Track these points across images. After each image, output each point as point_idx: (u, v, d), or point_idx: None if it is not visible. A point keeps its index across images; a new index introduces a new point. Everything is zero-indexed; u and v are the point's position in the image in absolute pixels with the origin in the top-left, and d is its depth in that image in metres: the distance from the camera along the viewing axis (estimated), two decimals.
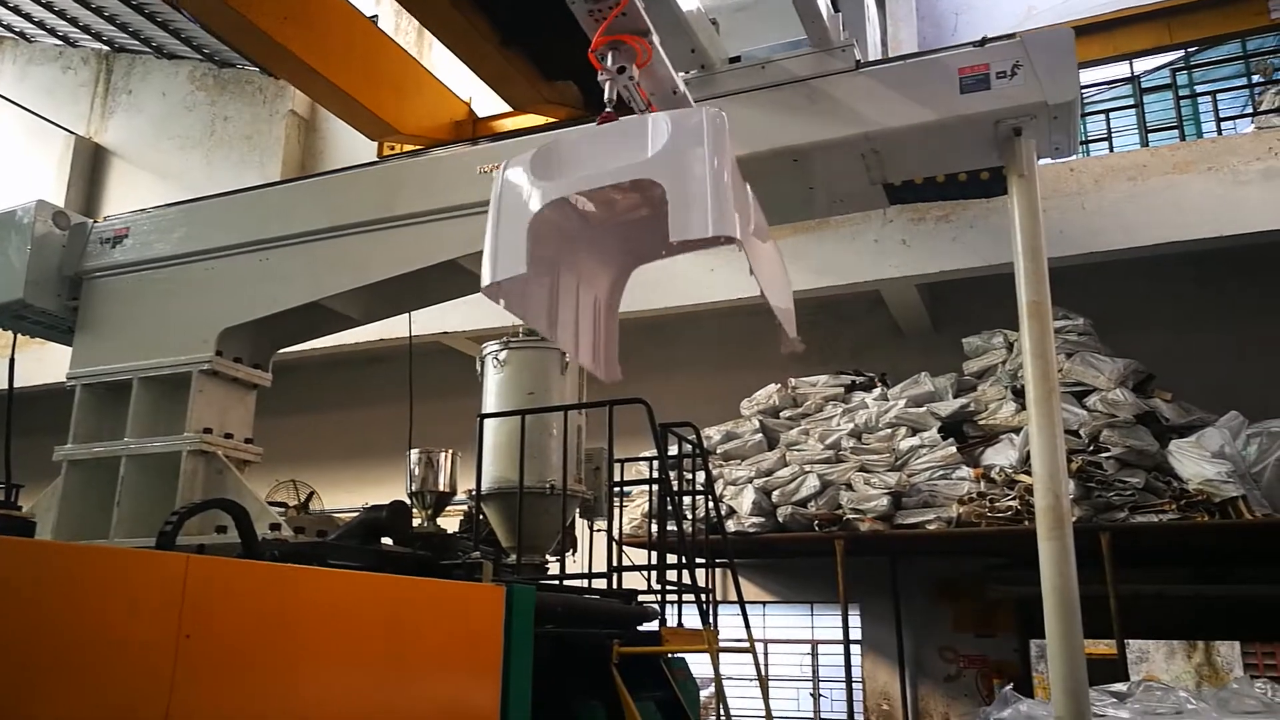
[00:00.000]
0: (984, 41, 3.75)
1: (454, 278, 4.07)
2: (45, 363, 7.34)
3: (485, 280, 1.94)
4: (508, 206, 1.90)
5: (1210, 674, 11.25)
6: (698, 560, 5.80)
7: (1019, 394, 8.67)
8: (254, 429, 4.19)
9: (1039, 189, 3.73)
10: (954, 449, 8.56)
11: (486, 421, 5.93)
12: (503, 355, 6.15)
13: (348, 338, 11.02)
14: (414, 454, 5.30)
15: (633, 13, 2.41)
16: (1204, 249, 8.60)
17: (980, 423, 8.91)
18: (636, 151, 1.82)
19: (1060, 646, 2.80)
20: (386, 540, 3.46)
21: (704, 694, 6.34)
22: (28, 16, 14.91)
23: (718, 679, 5.40)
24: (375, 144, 10.44)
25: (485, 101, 10.23)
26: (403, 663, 2.46)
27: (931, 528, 8.32)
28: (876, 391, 9.36)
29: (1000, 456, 8.33)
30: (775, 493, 8.90)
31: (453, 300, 4.57)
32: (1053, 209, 8.34)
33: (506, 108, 10.42)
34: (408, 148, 9.05)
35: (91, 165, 15.28)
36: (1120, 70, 10.87)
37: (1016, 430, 8.39)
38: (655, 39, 2.49)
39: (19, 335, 4.38)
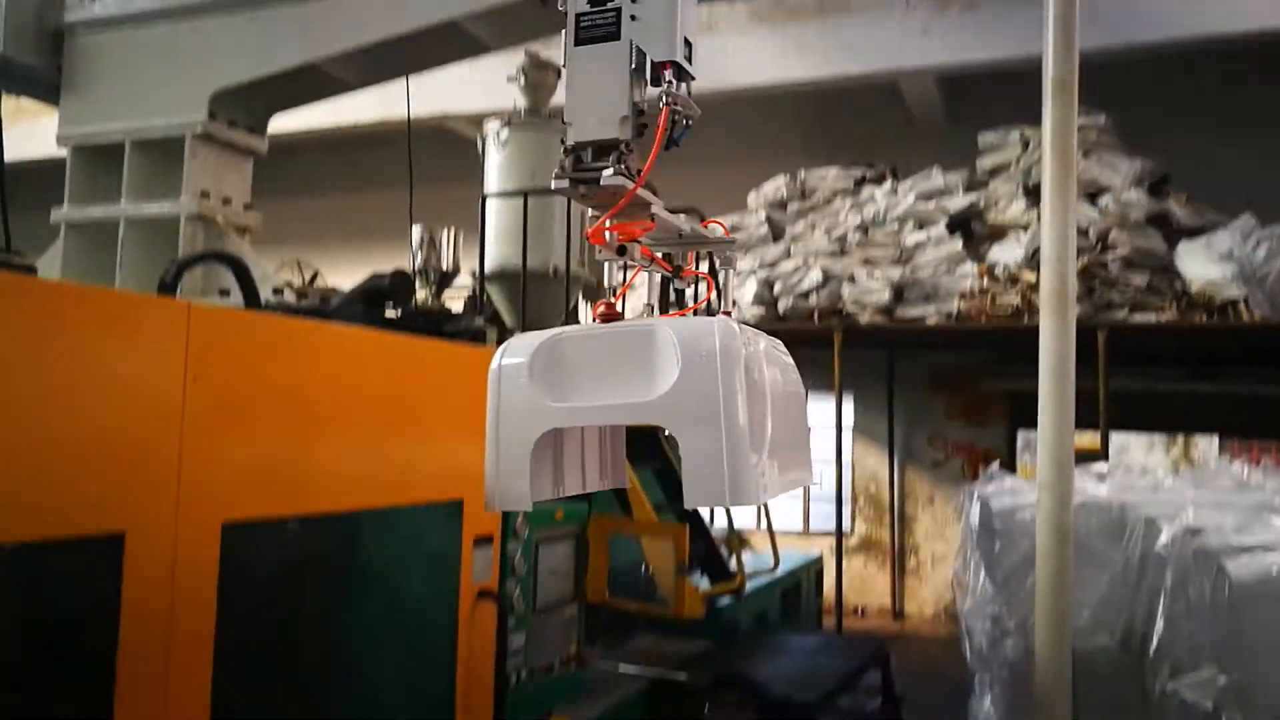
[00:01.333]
0: None
1: (453, 39, 3.88)
2: (34, 139, 7.14)
3: (487, 507, 1.66)
4: (506, 422, 1.64)
5: (1187, 467, 11.75)
6: None
7: (1030, 192, 8.52)
8: (252, 204, 4.12)
9: None
10: (960, 245, 8.51)
11: (489, 203, 5.85)
12: (504, 134, 5.97)
13: (346, 117, 10.77)
14: (416, 230, 5.25)
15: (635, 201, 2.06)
16: (1233, 48, 8.20)
17: (989, 220, 8.81)
18: (643, 379, 1.52)
19: (1051, 420, 2.86)
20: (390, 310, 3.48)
21: None
22: None
23: None
24: None
25: None
26: (407, 421, 2.52)
27: (931, 322, 8.39)
28: (886, 185, 9.19)
29: (1006, 254, 8.29)
30: (777, 284, 8.92)
31: (452, 64, 4.38)
32: None
33: None
34: None
35: None
36: None
37: (1025, 228, 8.30)
38: (659, 209, 2.13)
39: (3, 98, 4.22)
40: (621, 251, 2.20)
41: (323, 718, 2.83)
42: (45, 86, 3.98)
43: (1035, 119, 3.60)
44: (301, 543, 2.81)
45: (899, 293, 8.48)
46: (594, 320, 1.79)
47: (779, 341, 1.73)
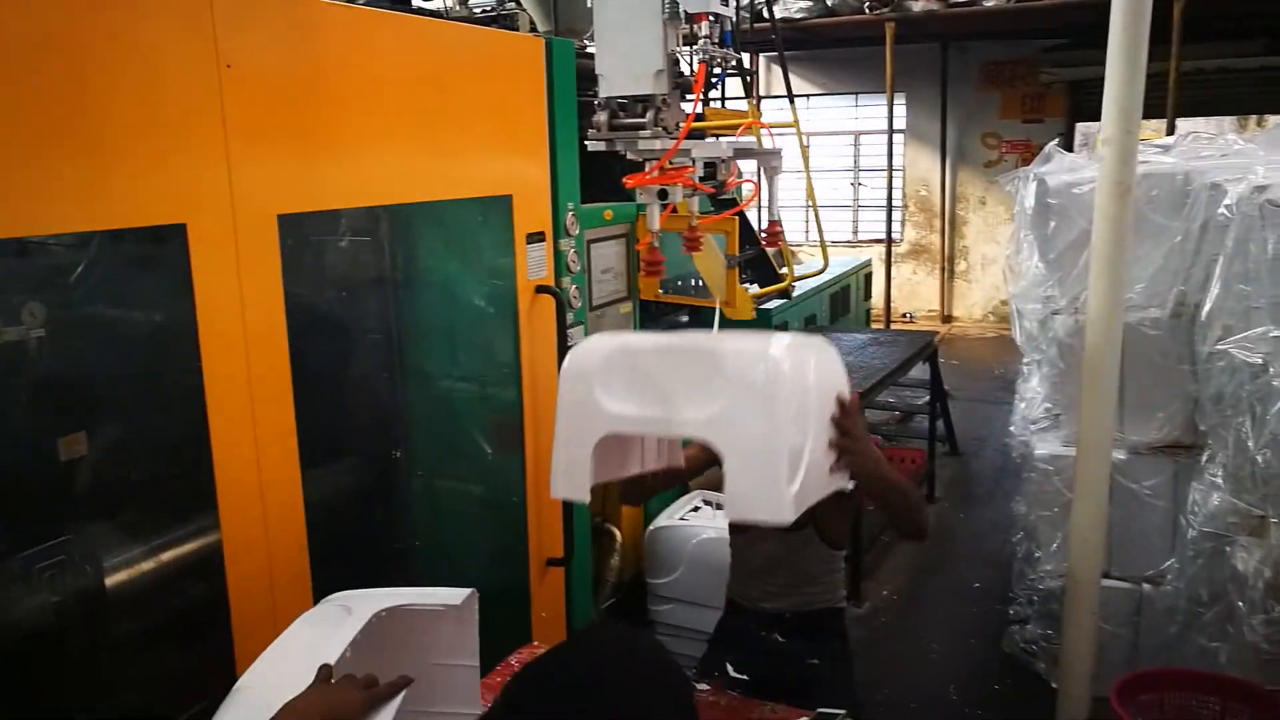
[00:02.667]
0: None
1: None
2: None
3: (553, 493, 1.77)
4: (570, 422, 1.75)
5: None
6: (743, 45, 5.57)
7: None
8: None
9: None
10: None
11: None
12: None
13: None
14: None
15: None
16: None
17: None
18: (699, 396, 1.61)
19: (1120, 64, 2.65)
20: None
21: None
22: None
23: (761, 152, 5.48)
24: None
25: None
26: (449, 114, 2.46)
27: (990, 3, 7.82)
28: None
29: None
30: None
31: None
32: None
33: None
34: None
35: None
36: None
37: None
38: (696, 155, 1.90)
39: None
40: (663, 195, 2.14)
41: (395, 413, 3.02)
42: None
43: None
44: (359, 240, 2.88)
45: None
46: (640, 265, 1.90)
47: (832, 350, 1.81)
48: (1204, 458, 3.17)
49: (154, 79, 1.75)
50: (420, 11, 2.94)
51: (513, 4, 3.32)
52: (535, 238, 2.86)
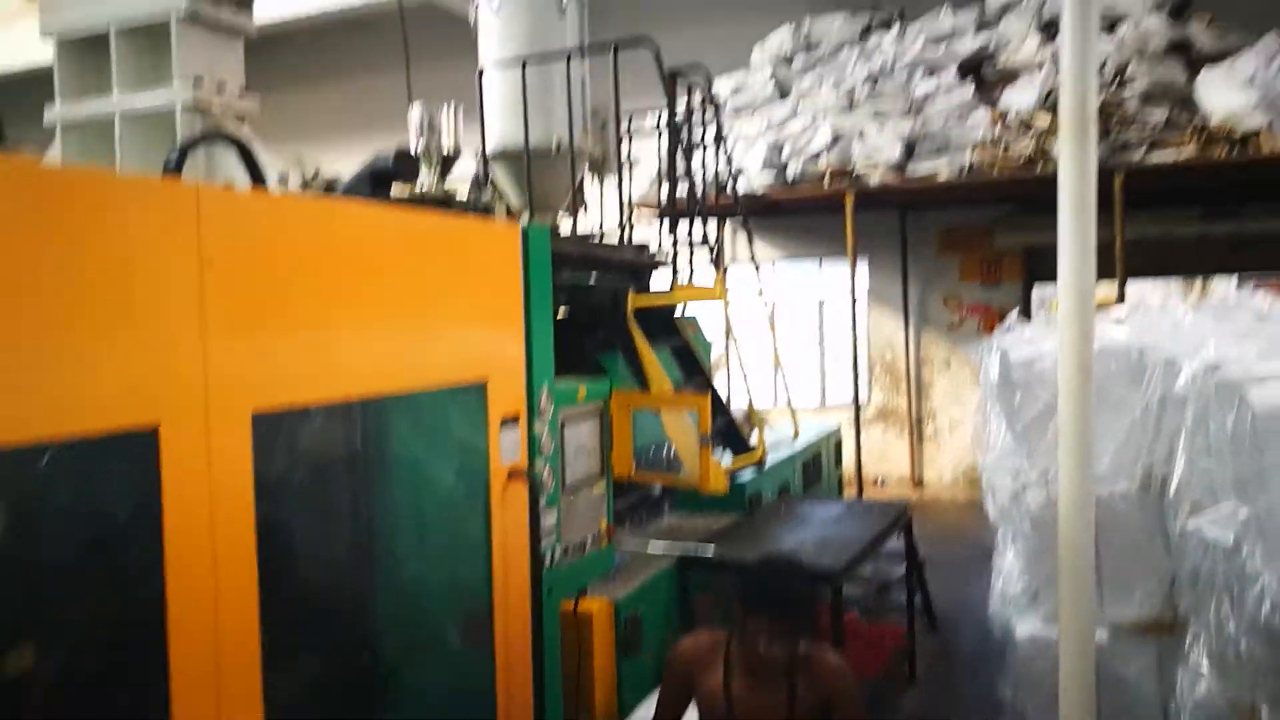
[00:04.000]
0: None
1: None
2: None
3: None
4: None
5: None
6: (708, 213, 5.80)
7: (1045, 28, 8.20)
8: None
9: None
10: (971, 91, 8.26)
11: (487, 79, 5.68)
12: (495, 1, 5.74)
13: (333, 3, 10.37)
14: (415, 111, 5.11)
15: None
16: None
17: (1000, 63, 8.51)
18: None
19: (1072, 248, 2.75)
20: (395, 190, 3.43)
21: (714, 354, 6.63)
22: None
23: (727, 325, 5.61)
24: None
25: None
26: (426, 302, 2.50)
27: (943, 177, 8.24)
28: (894, 29, 8.86)
29: (1020, 96, 8.04)
30: (785, 147, 8.73)
31: None
32: None
33: None
34: None
35: None
36: None
37: (1039, 66, 8.02)
38: None
39: None
40: None
41: (362, 604, 2.93)
42: None
43: None
44: (331, 430, 2.85)
45: (910, 148, 8.29)
46: None
47: None
48: (1187, 639, 3.13)
49: (133, 276, 1.76)
50: (400, 199, 3.03)
51: (489, 186, 3.43)
52: (510, 421, 2.86)
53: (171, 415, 1.79)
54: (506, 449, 2.82)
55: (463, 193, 7.04)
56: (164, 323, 1.80)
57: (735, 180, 6.96)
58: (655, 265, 5.17)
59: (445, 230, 2.65)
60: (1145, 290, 10.63)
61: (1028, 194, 8.64)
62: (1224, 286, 10.44)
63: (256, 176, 2.29)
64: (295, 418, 2.66)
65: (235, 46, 3.69)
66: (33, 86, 5.57)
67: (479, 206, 3.08)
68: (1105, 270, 7.11)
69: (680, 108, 5.43)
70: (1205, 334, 3.39)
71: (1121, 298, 7.73)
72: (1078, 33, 2.72)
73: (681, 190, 5.51)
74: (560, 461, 3.28)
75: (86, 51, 3.70)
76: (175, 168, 2.08)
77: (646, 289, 5.54)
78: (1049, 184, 2.95)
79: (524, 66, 5.23)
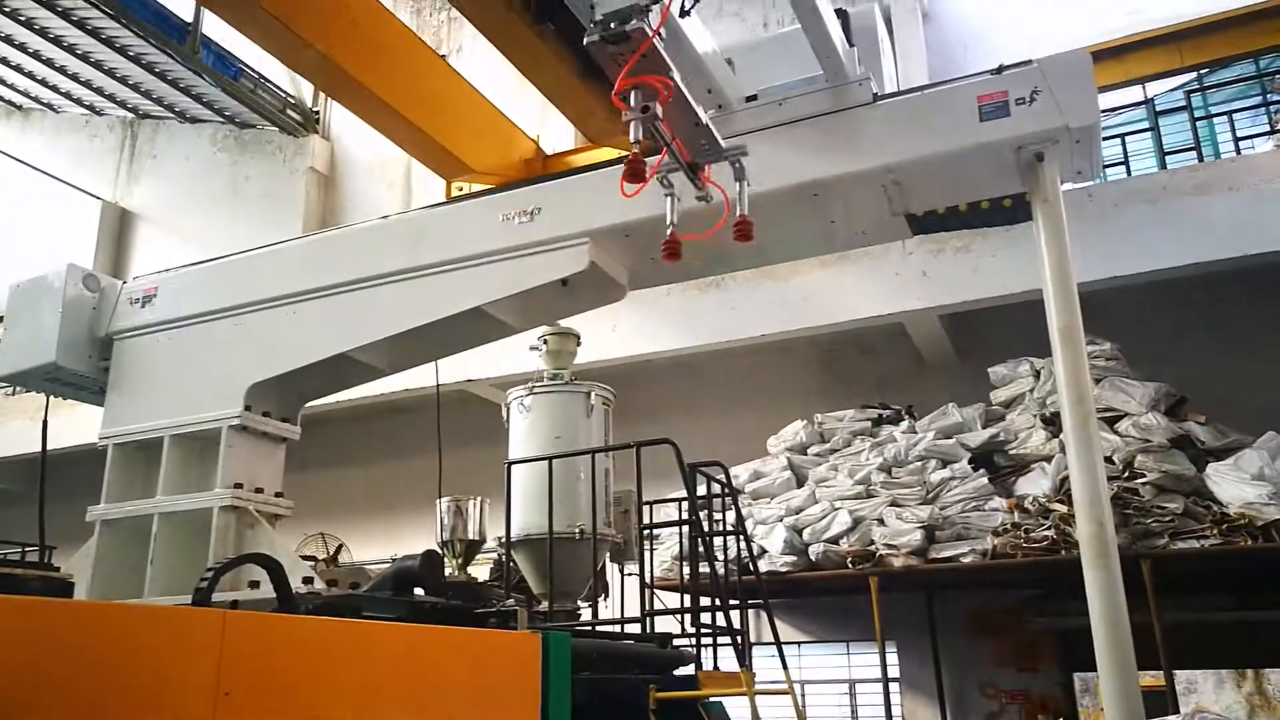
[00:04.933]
0: (1001, 69, 3.75)
1: (479, 324, 4.08)
2: (77, 424, 7.40)
3: None
4: None
5: (1262, 703, 10.92)
6: (731, 601, 5.72)
7: (1048, 421, 8.57)
8: (282, 483, 4.20)
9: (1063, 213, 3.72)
10: (985, 480, 8.45)
11: (514, 468, 5.92)
12: (528, 401, 6.14)
13: (372, 389, 11.06)
14: (443, 503, 5.30)
15: (653, 55, 2.48)
16: (1229, 268, 8.52)
17: (1010, 452, 8.80)
18: None
19: (1114, 677, 2.72)
20: (419, 590, 3.44)
21: None
22: (55, 89, 15.29)
23: (755, 717, 5.30)
24: (443, 184, 10.40)
25: (550, 138, 10.48)
26: (444, 715, 2.42)
27: (966, 561, 8.18)
28: (904, 424, 9.28)
29: (1033, 486, 8.22)
30: (806, 531, 8.80)
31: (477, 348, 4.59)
32: (1072, 234, 8.27)
33: (572, 144, 10.59)
34: (477, 186, 9.05)
35: (119, 229, 15.55)
36: (1133, 95, 10.87)
37: (1048, 459, 8.27)
38: (676, 76, 2.55)
39: (51, 397, 4.42)
40: (645, 110, 2.38)
41: None
42: (91, 391, 4.16)
43: (1043, 346, 3.68)
44: None
45: (931, 534, 8.34)
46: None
47: None
48: None
49: (147, 708, 1.74)
50: (418, 606, 3.03)
51: (511, 599, 3.44)
52: None
53: None
54: None
55: (483, 572, 7.03)
56: None
57: (756, 561, 6.95)
58: (680, 662, 5.03)
59: (464, 642, 2.62)
60: (1194, 678, 10.09)
61: (1055, 577, 8.52)
62: (1278, 680, 9.90)
63: (283, 594, 2.32)
64: None
65: (278, 453, 3.92)
66: (77, 464, 5.85)
67: (501, 615, 3.07)
68: (1147, 657, 6.84)
69: (700, 490, 5.58)
70: None
71: (1171, 690, 7.30)
72: (1085, 461, 2.85)
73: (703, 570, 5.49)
74: None
75: (138, 455, 3.93)
76: (207, 596, 2.11)
77: (671, 676, 5.33)
78: (1076, 566, 2.94)
79: (550, 464, 5.45)
